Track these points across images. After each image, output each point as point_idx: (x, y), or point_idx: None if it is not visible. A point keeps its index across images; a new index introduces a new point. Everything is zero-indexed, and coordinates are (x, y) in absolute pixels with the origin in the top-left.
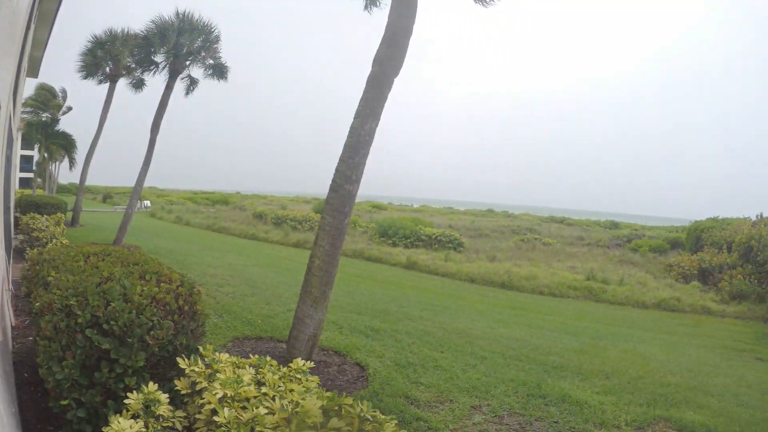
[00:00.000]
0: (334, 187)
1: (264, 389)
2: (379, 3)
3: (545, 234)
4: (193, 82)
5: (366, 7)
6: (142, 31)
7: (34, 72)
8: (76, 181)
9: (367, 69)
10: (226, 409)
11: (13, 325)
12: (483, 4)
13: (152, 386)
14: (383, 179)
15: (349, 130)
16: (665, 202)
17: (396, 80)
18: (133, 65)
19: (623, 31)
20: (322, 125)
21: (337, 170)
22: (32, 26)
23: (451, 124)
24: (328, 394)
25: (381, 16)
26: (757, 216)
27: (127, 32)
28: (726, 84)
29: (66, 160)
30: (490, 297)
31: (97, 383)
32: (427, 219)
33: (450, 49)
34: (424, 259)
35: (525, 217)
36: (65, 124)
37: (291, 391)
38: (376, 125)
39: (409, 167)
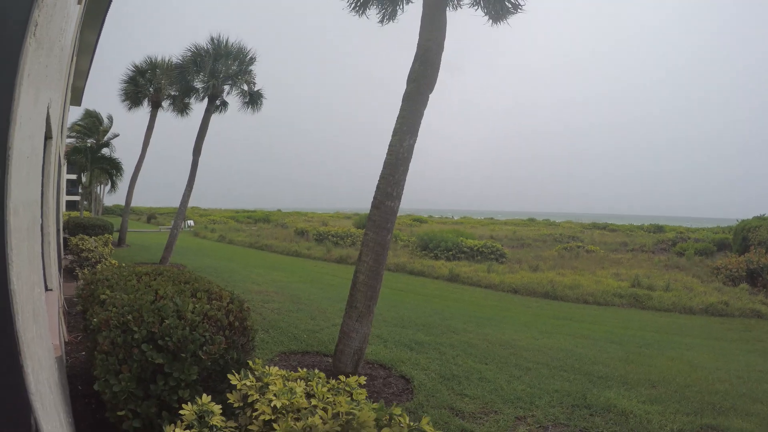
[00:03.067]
0: (376, 203)
1: (314, 401)
2: (396, 18)
3: (588, 241)
4: (223, 104)
5: (381, 22)
6: (179, 59)
7: (77, 101)
8: (121, 202)
9: (395, 79)
10: (279, 421)
11: (66, 340)
12: (493, 22)
13: (206, 398)
14: (423, 192)
15: (388, 147)
16: (711, 202)
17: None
18: (174, 92)
19: (657, 37)
20: (359, 141)
21: (378, 187)
22: (74, 58)
23: (486, 134)
24: (375, 405)
25: (409, 30)
26: None
27: (168, 61)
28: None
29: (108, 182)
30: (534, 307)
31: (152, 395)
32: (468, 230)
33: (483, 58)
34: (467, 271)
35: (567, 225)
36: (113, 148)
37: (337, 404)
38: (414, 141)
39: (447, 179)
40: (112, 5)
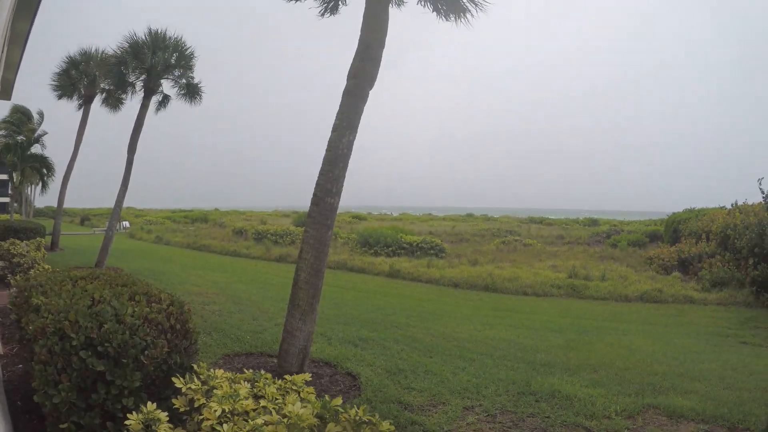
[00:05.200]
0: (315, 200)
1: (263, 402)
2: (338, 11)
3: (525, 235)
4: (165, 99)
5: (321, 14)
6: (115, 50)
7: (6, 94)
8: (53, 204)
9: (335, 81)
10: (225, 425)
11: (1, 353)
12: (446, 19)
13: (151, 405)
14: (361, 190)
15: (327, 143)
16: (643, 196)
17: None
18: (108, 86)
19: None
20: (297, 139)
21: (317, 184)
22: (5, 48)
23: (426, 134)
24: (317, 401)
25: (351, 24)
26: (732, 204)
27: (102, 52)
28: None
29: (39, 182)
30: (475, 300)
31: (95, 405)
32: (407, 227)
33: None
34: (407, 267)
35: (504, 220)
36: (44, 146)
37: (286, 404)
38: (354, 137)
39: (385, 176)
40: None
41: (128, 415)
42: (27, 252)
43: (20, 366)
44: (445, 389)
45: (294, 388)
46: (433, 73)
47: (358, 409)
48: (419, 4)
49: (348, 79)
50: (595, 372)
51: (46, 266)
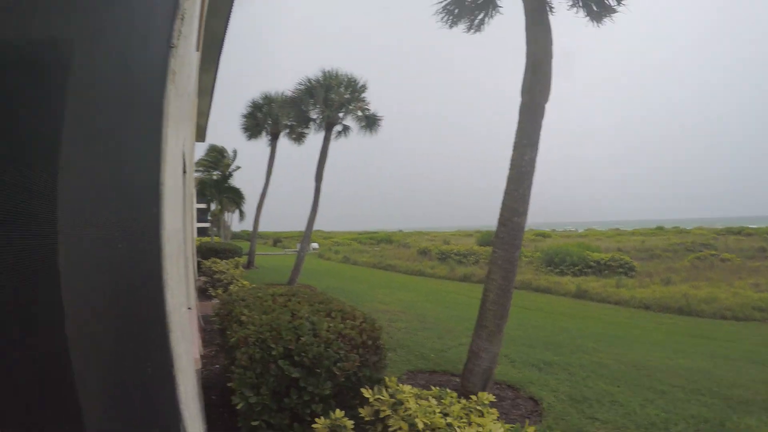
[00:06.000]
0: (503, 220)
1: (449, 419)
2: (483, 28)
3: (722, 249)
4: (345, 129)
5: (468, 30)
6: (292, 92)
7: (201, 137)
8: (248, 228)
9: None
10: None
11: (202, 354)
12: (597, 23)
13: (339, 412)
14: (543, 205)
15: (510, 162)
16: None
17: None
18: (290, 122)
19: None
20: (479, 156)
21: (503, 204)
22: (196, 99)
23: (604, 141)
24: (509, 426)
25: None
26: None
27: (282, 94)
28: None
29: (237, 211)
30: (667, 324)
31: (286, 408)
32: (593, 243)
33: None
34: (594, 287)
35: (698, 232)
36: (238, 178)
37: (472, 424)
38: (536, 154)
39: (567, 191)
40: (223, 51)
41: (317, 420)
42: (226, 270)
43: (217, 366)
44: (631, 423)
45: (478, 408)
46: (600, 78)
47: None
48: (572, 8)
49: (522, 95)
50: None
51: (245, 282)
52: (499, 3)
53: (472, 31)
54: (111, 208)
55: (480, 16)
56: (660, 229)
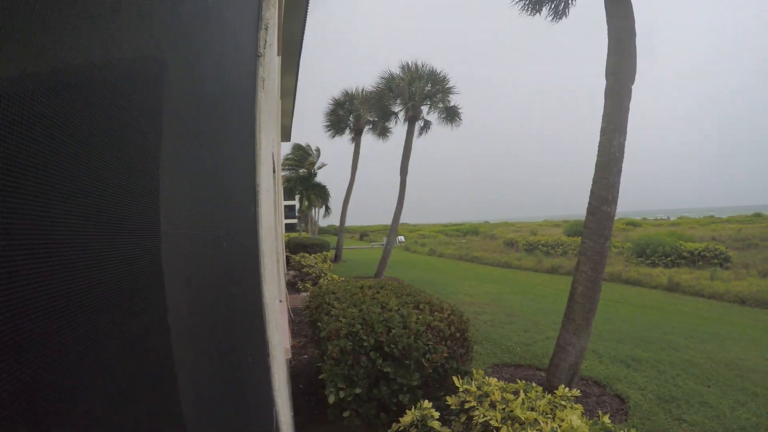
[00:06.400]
0: (591, 209)
1: (534, 414)
2: (568, 12)
3: None
4: (426, 124)
5: (554, 18)
6: (373, 87)
7: (286, 137)
8: (334, 223)
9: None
10: (504, 429)
11: (291, 345)
12: None
13: (427, 403)
14: (633, 193)
15: (597, 148)
16: None
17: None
18: (373, 118)
19: None
20: (566, 144)
21: (592, 192)
22: (280, 101)
23: (691, 118)
24: (590, 421)
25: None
26: None
27: (362, 90)
28: None
29: (323, 206)
30: (765, 321)
31: (374, 398)
32: (686, 232)
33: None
34: (687, 279)
35: None
36: (323, 174)
37: (559, 418)
38: (624, 139)
39: (657, 176)
40: (302, 54)
41: (407, 411)
42: (315, 264)
43: (305, 356)
44: (720, 426)
45: (563, 403)
46: (688, 55)
47: None
48: None
49: (607, 78)
50: None
51: (334, 276)
52: None
53: (557, 18)
54: (217, 211)
55: (561, 3)
56: (758, 216)
